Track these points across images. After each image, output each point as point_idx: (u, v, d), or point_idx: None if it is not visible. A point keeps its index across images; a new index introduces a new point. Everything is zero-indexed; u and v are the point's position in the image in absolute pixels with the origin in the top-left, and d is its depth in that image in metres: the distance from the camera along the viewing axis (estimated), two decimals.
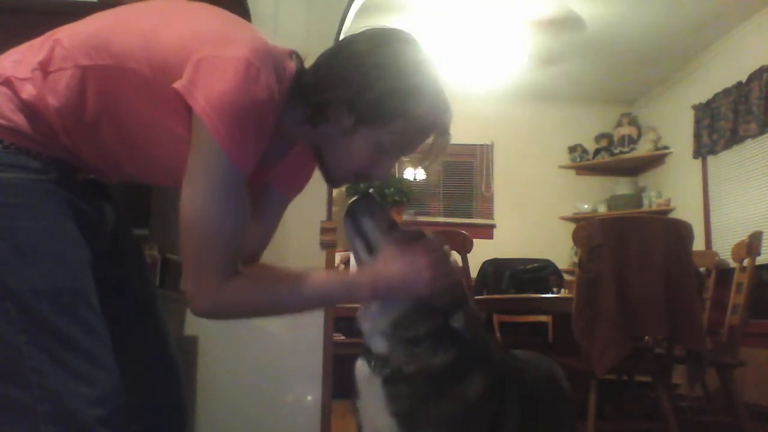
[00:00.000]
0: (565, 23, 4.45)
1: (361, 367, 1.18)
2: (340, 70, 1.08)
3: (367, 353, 1.17)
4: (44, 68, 1.07)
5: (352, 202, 1.22)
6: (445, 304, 1.16)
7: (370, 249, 1.17)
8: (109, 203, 1.26)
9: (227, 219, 1.04)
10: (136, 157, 1.14)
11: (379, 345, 1.16)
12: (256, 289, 1.11)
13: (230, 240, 1.06)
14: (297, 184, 1.34)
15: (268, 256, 1.30)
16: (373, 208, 1.21)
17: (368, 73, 1.07)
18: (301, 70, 1.13)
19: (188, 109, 1.00)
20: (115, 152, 1.13)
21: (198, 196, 1.03)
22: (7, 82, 1.07)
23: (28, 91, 1.06)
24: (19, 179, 1.05)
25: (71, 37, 1.10)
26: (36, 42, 1.12)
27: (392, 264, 1.12)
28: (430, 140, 1.15)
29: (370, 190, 1.26)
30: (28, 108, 1.06)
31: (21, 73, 1.07)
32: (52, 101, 1.06)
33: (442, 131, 1.15)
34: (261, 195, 1.28)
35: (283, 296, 1.13)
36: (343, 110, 1.08)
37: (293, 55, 1.15)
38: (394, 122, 1.08)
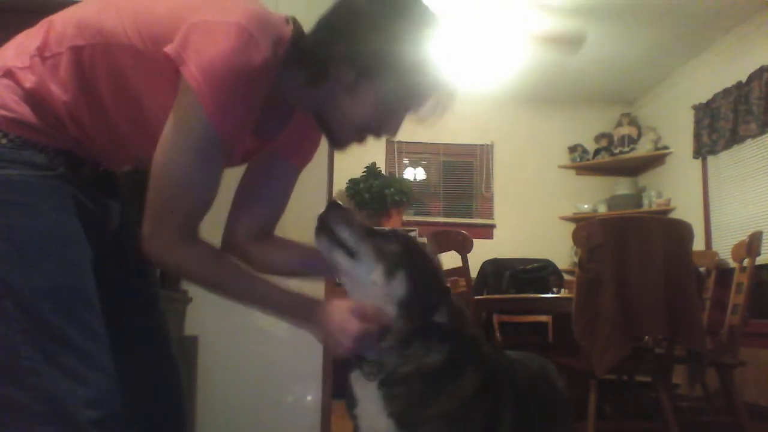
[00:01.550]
0: (566, 39, 4.43)
1: (356, 375, 1.18)
2: (340, 25, 1.08)
3: (360, 361, 1.17)
4: (41, 54, 1.06)
5: (321, 215, 1.19)
6: (427, 301, 1.16)
7: (352, 255, 1.16)
8: (116, 200, 1.25)
9: (195, 176, 1.03)
10: (142, 134, 1.12)
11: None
12: (209, 267, 1.10)
13: (194, 198, 1.05)
14: (304, 153, 1.33)
15: None
16: (344, 215, 1.19)
17: (367, 25, 1.06)
18: (299, 35, 1.12)
19: (179, 75, 0.99)
20: (122, 132, 1.13)
21: (172, 148, 1.02)
22: (9, 73, 1.06)
23: (30, 80, 1.06)
24: (22, 176, 1.04)
25: (64, 20, 1.09)
26: (33, 29, 1.12)
27: (333, 316, 1.11)
28: (434, 95, 1.14)
29: (338, 201, 1.25)
30: (32, 97, 1.06)
31: (21, 62, 1.07)
32: (55, 88, 1.06)
33: (446, 84, 1.14)
34: (269, 167, 1.28)
35: (230, 285, 1.12)
36: (344, 66, 1.06)
37: (290, 20, 1.14)
38: (395, 74, 1.07)
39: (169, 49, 0.99)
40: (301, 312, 1.14)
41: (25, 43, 1.09)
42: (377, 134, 1.15)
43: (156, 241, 1.06)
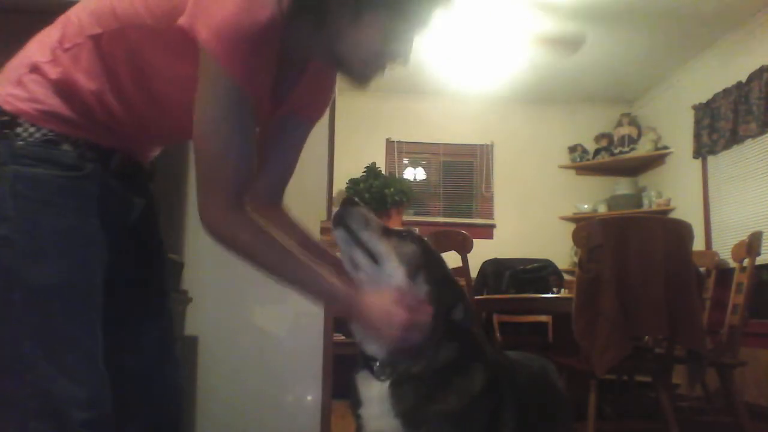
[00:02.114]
0: (566, 41, 4.43)
1: (363, 376, 1.18)
2: None
3: (369, 361, 1.16)
4: (62, 46, 1.11)
5: (339, 211, 1.20)
6: (447, 300, 1.16)
7: (373, 258, 1.16)
8: (142, 197, 1.27)
9: (235, 139, 1.06)
10: (163, 112, 1.16)
11: (382, 351, 1.16)
12: (259, 237, 1.10)
13: (235, 161, 1.07)
14: (319, 105, 1.35)
15: None
16: (364, 214, 1.19)
17: None
18: None
19: (196, 45, 1.02)
20: (144, 113, 1.16)
21: (207, 121, 1.05)
22: (36, 68, 1.10)
23: (55, 72, 1.09)
24: (49, 175, 1.07)
25: (80, 12, 1.14)
26: (52, 25, 1.16)
27: (377, 305, 1.12)
28: (437, 8, 1.17)
29: (354, 198, 1.25)
30: (59, 89, 1.09)
31: (44, 56, 1.11)
32: (80, 77, 1.10)
33: (446, 1, 1.16)
34: (281, 124, 1.30)
35: (279, 262, 1.12)
36: (344, 1, 1.09)
37: None
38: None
39: (181, 21, 1.02)
40: (342, 299, 1.14)
41: (45, 38, 1.13)
42: (393, 60, 1.17)
43: (208, 212, 1.08)
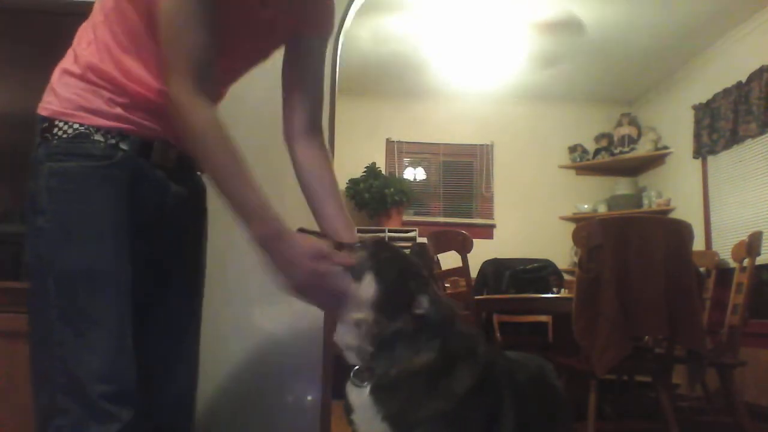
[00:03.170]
0: (565, 26, 4.45)
1: (350, 384, 1.18)
2: None
3: (352, 370, 1.17)
4: (80, 45, 1.22)
5: None
6: (399, 296, 1.16)
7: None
8: (184, 186, 1.31)
9: (197, 23, 1.12)
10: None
11: (360, 359, 1.16)
12: (212, 128, 1.12)
13: (199, 43, 1.12)
14: (324, 18, 1.40)
15: None
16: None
17: None
18: None
19: None
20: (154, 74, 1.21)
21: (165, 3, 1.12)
22: (63, 72, 1.21)
23: (78, 67, 1.19)
24: (79, 167, 1.15)
25: (91, 16, 1.26)
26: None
27: (290, 250, 1.10)
28: None
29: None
30: (86, 79, 1.18)
31: (69, 59, 1.23)
32: (103, 64, 1.19)
33: None
34: (296, 48, 1.36)
35: (223, 164, 1.12)
36: None
37: None
38: None
39: None
40: (263, 226, 1.11)
41: (70, 51, 1.25)
42: None
43: (175, 86, 1.12)
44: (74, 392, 1.09)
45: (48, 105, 1.19)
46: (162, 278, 1.30)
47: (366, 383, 1.15)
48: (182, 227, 1.33)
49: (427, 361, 1.14)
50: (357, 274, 1.16)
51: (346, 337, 1.17)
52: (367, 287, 1.15)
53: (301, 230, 1.18)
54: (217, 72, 1.18)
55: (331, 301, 1.16)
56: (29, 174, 1.20)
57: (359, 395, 1.16)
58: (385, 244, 1.26)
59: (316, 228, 1.26)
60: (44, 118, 1.19)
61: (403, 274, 1.20)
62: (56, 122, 1.17)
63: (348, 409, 1.19)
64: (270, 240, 1.10)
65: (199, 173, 1.38)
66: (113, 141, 1.17)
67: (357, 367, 1.16)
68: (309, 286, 1.11)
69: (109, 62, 1.18)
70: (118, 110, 1.19)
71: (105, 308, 1.13)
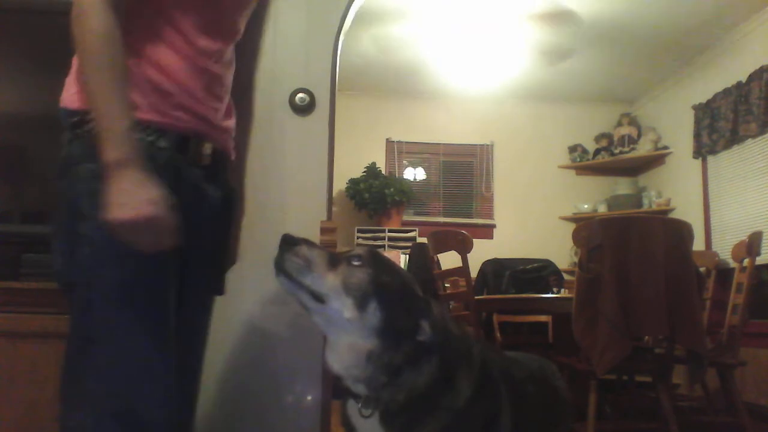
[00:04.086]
0: (561, 18, 4.44)
1: (351, 405, 1.17)
2: None
3: (356, 396, 1.15)
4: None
5: (277, 257, 1.14)
6: (405, 323, 1.13)
7: (319, 298, 1.13)
8: (221, 189, 1.28)
9: None
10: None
11: (365, 389, 1.14)
12: (102, 43, 1.05)
13: None
14: None
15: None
16: (304, 254, 1.13)
17: None
18: None
19: None
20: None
21: None
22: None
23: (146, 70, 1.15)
24: None
25: None
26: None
27: (122, 186, 1.02)
28: None
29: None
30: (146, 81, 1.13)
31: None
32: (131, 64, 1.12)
33: None
34: None
35: (100, 79, 1.05)
36: None
37: None
38: None
39: None
40: (121, 155, 1.03)
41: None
42: None
43: None
44: (121, 414, 1.04)
45: (79, 97, 1.08)
46: (182, 273, 1.24)
47: (371, 412, 1.13)
48: (217, 231, 1.31)
49: (428, 380, 1.12)
50: (359, 302, 1.12)
51: (354, 370, 1.13)
52: (372, 316, 1.12)
53: (288, 236, 1.15)
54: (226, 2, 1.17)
55: (152, 244, 1.06)
56: (60, 173, 1.11)
57: (368, 424, 1.14)
58: (383, 261, 1.20)
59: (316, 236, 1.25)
60: (73, 112, 1.09)
61: (407, 297, 1.17)
62: (89, 116, 1.06)
63: (349, 430, 1.18)
64: (122, 165, 1.02)
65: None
66: (151, 138, 1.11)
67: (363, 397, 1.14)
68: (136, 223, 1.02)
69: (132, 53, 1.11)
70: (153, 99, 1.12)
71: (154, 324, 1.08)
